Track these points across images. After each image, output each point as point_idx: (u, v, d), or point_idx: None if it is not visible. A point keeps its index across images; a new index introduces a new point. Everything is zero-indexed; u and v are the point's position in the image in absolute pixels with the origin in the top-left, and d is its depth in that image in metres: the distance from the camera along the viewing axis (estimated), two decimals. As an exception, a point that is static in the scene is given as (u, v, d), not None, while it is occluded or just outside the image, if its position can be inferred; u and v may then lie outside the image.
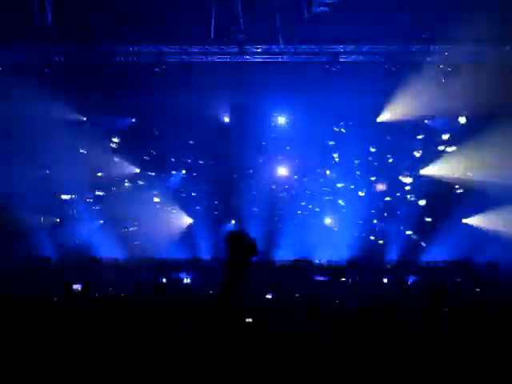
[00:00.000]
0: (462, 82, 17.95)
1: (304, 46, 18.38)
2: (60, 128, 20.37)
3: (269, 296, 7.09)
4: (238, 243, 2.60)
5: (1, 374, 4.12)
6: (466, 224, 21.18)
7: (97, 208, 22.10)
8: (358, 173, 21.81)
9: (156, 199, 22.16)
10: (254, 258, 2.65)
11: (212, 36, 17.09)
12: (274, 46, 18.45)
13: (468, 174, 21.03)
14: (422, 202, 21.54)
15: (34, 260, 20.36)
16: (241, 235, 2.57)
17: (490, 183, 19.86)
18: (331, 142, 21.78)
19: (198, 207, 22.27)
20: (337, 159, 21.99)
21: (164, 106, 20.75)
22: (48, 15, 16.76)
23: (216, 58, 18.77)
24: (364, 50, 18.42)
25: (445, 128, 21.20)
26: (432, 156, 21.19)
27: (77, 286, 11.92)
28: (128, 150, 21.88)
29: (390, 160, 21.62)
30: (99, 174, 21.97)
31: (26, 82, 18.38)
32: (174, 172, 22.61)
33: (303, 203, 21.99)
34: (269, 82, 18.87)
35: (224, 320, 2.66)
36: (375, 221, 21.78)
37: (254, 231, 19.96)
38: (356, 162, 21.73)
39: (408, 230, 21.46)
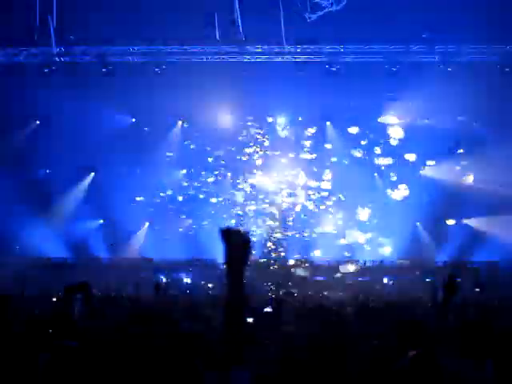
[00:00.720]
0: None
1: (304, 46, 18.36)
2: None
3: (268, 309, 6.97)
4: (235, 239, 2.60)
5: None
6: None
7: None
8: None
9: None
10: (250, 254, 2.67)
11: (217, 37, 17.09)
12: (274, 46, 18.44)
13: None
14: None
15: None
16: (236, 231, 2.58)
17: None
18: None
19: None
20: None
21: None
22: (51, 17, 16.75)
23: (216, 58, 18.76)
24: (364, 50, 18.41)
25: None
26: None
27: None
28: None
29: None
30: None
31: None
32: None
33: None
34: None
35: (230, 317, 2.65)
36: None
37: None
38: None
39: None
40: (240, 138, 21.89)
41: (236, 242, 2.94)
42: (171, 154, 22.57)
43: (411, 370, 3.59)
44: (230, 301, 2.89)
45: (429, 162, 21.47)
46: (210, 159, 22.32)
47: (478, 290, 16.35)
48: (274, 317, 6.87)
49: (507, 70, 17.95)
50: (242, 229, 3.00)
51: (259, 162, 22.13)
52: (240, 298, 2.91)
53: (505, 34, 17.29)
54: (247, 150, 21.94)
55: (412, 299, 11.05)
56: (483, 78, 17.91)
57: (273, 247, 20.72)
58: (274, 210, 21.45)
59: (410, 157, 21.47)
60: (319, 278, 19.81)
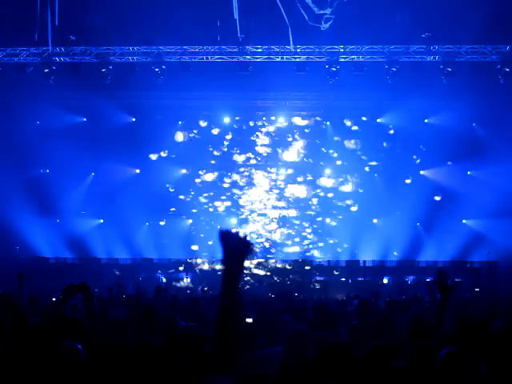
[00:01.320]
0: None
1: (304, 46, 18.31)
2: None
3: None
4: (233, 241, 2.57)
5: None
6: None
7: None
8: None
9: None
10: (250, 257, 2.63)
11: (218, 38, 17.07)
12: (273, 46, 18.42)
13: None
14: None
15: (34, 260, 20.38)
16: (234, 233, 2.54)
17: None
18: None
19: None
20: None
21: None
22: (51, 17, 16.71)
23: (216, 58, 18.73)
24: (364, 50, 18.36)
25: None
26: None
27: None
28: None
29: None
30: None
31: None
32: None
33: None
34: None
35: (225, 322, 2.62)
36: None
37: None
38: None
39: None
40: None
41: (234, 244, 2.93)
42: (169, 154, 22.64)
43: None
44: (222, 305, 2.87)
45: None
46: (212, 161, 22.47)
47: (477, 289, 16.36)
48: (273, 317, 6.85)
49: (507, 69, 17.91)
50: (241, 231, 2.98)
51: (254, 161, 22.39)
52: (233, 303, 2.88)
53: (505, 33, 17.29)
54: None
55: (411, 299, 11.05)
56: (483, 78, 17.93)
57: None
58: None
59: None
60: (319, 278, 19.84)
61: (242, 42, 17.75)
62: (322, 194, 22.41)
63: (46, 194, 20.88)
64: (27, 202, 20.51)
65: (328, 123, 22.35)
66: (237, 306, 2.90)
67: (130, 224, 21.67)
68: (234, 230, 2.97)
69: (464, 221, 21.39)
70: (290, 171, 22.54)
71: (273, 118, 22.49)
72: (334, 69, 18.29)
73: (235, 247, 2.93)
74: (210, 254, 21.00)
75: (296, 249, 22.07)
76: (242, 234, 2.95)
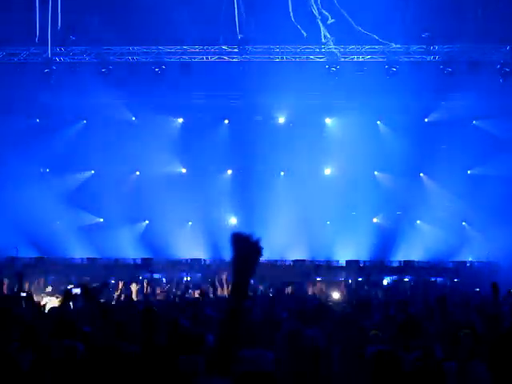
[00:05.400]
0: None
1: (304, 46, 18.30)
2: None
3: None
4: (243, 244, 2.49)
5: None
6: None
7: None
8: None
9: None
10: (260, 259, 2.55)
11: (217, 37, 17.08)
12: (273, 46, 18.41)
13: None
14: None
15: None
16: (245, 235, 2.47)
17: None
18: None
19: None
20: None
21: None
22: (51, 17, 16.73)
23: (216, 58, 18.73)
24: (364, 50, 18.35)
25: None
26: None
27: (76, 291, 11.90)
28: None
29: None
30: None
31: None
32: None
33: None
34: None
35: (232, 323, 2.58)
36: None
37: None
38: None
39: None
40: None
41: (245, 248, 2.81)
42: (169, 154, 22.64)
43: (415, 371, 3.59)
44: (229, 308, 2.79)
45: None
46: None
47: (477, 289, 16.29)
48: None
49: (507, 69, 17.92)
50: (252, 235, 2.85)
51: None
52: (239, 310, 2.79)
53: (505, 33, 17.31)
54: None
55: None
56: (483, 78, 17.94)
57: None
58: None
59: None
60: (319, 278, 19.84)
61: (242, 41, 17.74)
62: (320, 193, 22.35)
63: (46, 193, 20.89)
64: (27, 202, 20.51)
65: (329, 121, 22.36)
66: (243, 310, 2.81)
67: (129, 224, 21.75)
68: (244, 234, 2.84)
69: (463, 223, 21.41)
70: (289, 171, 22.54)
71: (272, 117, 22.48)
72: (333, 69, 18.29)
73: (246, 251, 2.82)
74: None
75: (296, 248, 22.05)
76: (253, 238, 2.84)
